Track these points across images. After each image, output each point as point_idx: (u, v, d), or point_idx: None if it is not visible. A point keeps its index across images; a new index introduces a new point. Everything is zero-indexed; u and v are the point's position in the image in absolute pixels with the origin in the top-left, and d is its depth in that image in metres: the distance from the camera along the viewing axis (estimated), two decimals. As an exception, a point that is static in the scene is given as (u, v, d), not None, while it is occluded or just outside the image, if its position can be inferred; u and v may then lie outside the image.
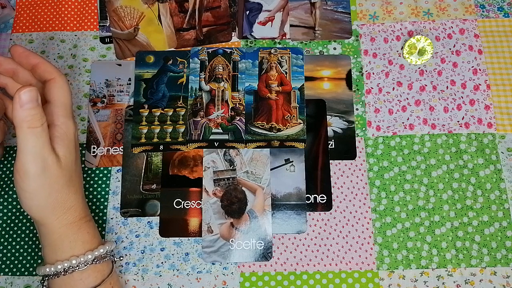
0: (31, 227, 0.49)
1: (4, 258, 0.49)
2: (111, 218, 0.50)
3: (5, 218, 0.50)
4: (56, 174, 0.40)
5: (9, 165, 0.51)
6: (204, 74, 0.53)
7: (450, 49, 0.54)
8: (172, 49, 0.55)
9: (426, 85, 0.53)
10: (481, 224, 0.49)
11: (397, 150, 0.51)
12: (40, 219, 0.41)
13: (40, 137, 0.38)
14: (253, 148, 0.51)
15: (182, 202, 0.50)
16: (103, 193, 0.50)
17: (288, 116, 0.52)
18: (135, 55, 0.54)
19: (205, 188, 0.50)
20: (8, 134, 0.52)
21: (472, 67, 0.54)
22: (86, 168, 0.51)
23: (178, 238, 0.49)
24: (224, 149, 0.51)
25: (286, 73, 0.53)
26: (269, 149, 0.51)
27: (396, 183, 0.50)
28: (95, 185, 0.51)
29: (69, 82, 0.54)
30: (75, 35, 0.56)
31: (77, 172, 0.44)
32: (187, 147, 0.51)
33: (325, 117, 0.52)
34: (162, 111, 0.52)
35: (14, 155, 0.52)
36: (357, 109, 0.53)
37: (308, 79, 0.54)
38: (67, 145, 0.41)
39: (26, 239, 0.49)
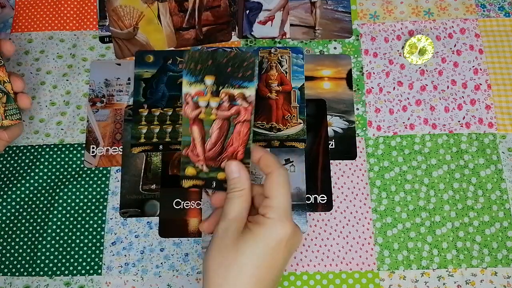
0: (31, 227, 0.49)
1: (3, 259, 0.49)
2: (111, 219, 0.50)
3: (4, 218, 0.50)
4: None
5: (8, 165, 0.51)
6: (204, 74, 0.53)
7: (450, 48, 0.54)
8: (172, 48, 0.55)
9: (426, 85, 0.53)
10: (482, 224, 0.49)
11: (398, 150, 0.51)
12: None
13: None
14: (253, 148, 0.51)
15: (182, 202, 0.50)
16: (102, 193, 0.50)
17: (288, 116, 0.52)
18: (135, 54, 0.54)
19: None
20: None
21: (473, 66, 0.53)
22: (85, 168, 0.51)
23: (177, 238, 0.49)
24: (224, 149, 0.51)
25: (286, 72, 0.53)
26: (269, 149, 0.51)
27: (397, 183, 0.50)
28: (94, 185, 0.50)
29: (69, 81, 0.54)
30: (75, 35, 0.56)
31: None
32: (186, 147, 0.51)
33: (325, 117, 0.52)
34: (161, 111, 0.52)
35: (13, 155, 0.51)
36: (357, 109, 0.53)
37: (308, 78, 0.53)
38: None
39: (26, 239, 0.49)
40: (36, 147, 0.52)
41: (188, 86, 0.41)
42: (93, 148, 0.52)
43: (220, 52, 0.41)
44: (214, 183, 0.42)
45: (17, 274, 0.48)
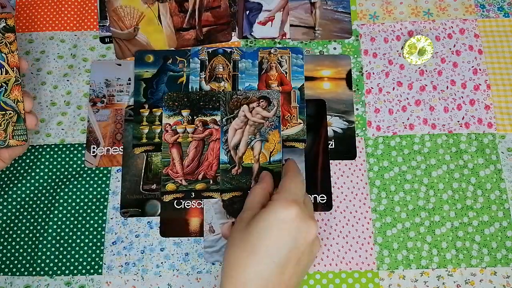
0: (31, 227, 0.49)
1: (4, 258, 0.49)
2: (111, 218, 0.50)
3: (5, 218, 0.50)
4: None
5: (8, 165, 0.51)
6: (204, 74, 0.53)
7: (450, 49, 0.54)
8: (172, 49, 0.55)
9: (426, 85, 0.53)
10: (481, 224, 0.49)
11: (397, 150, 0.51)
12: None
13: None
14: (253, 148, 0.51)
15: (183, 202, 0.50)
16: (103, 193, 0.50)
17: (288, 116, 0.52)
18: (135, 54, 0.54)
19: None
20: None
21: (472, 67, 0.54)
22: (86, 168, 0.51)
23: (178, 238, 0.49)
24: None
25: (286, 73, 0.53)
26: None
27: (396, 183, 0.50)
28: (95, 185, 0.51)
29: (69, 82, 0.54)
30: (75, 35, 0.56)
31: None
32: (187, 147, 0.51)
33: (325, 117, 0.52)
34: (162, 111, 0.52)
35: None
36: (357, 109, 0.53)
37: (308, 79, 0.53)
38: None
39: (26, 239, 0.49)
40: (37, 147, 0.52)
41: (167, 118, 0.50)
42: (93, 148, 0.52)
43: (193, 92, 0.51)
44: (193, 194, 0.49)
45: (17, 273, 0.48)
